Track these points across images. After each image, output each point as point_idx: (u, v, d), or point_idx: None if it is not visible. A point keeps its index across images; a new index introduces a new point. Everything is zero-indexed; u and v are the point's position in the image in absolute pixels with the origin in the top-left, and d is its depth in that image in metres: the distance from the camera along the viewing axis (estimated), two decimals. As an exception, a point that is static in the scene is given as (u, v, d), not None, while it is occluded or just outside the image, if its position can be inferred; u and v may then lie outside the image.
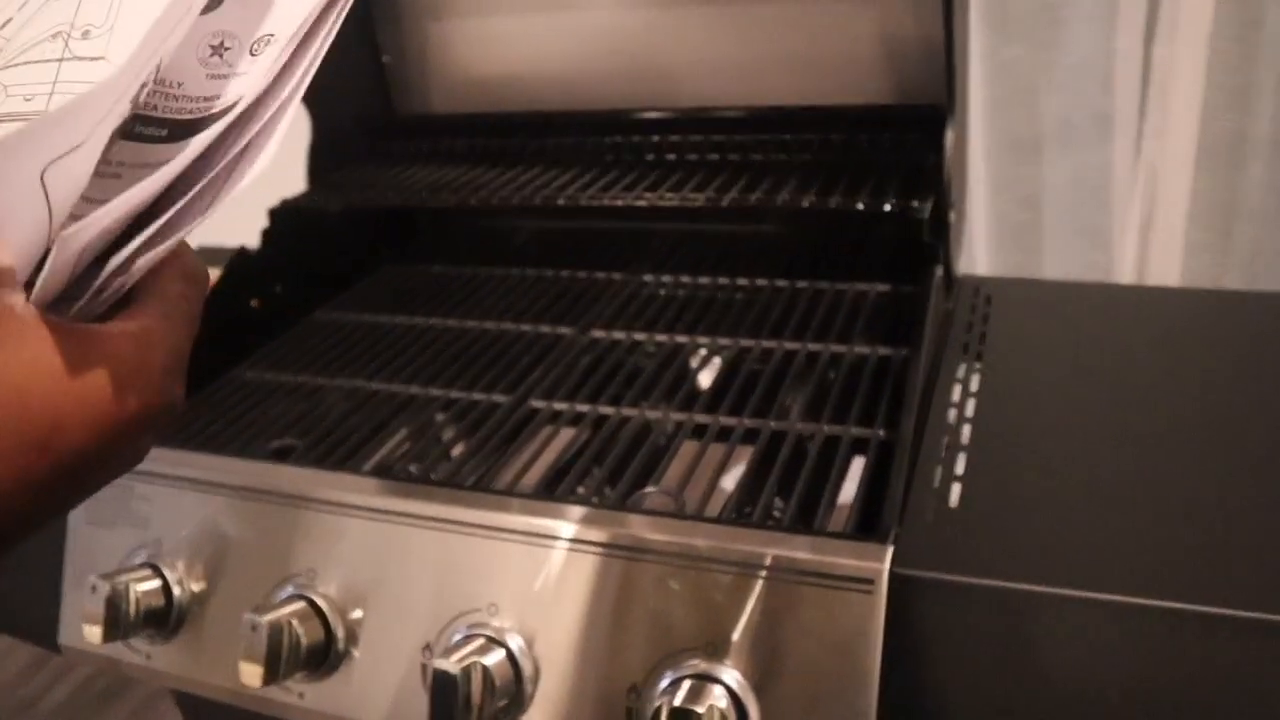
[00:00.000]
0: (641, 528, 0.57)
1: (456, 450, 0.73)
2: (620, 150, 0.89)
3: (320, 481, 0.67)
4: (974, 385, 0.67)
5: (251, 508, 0.69)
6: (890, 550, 0.53)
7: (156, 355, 0.30)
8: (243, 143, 0.29)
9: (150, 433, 0.31)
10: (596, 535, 0.58)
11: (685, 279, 0.90)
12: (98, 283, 0.28)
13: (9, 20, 0.33)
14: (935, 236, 0.69)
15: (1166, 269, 1.57)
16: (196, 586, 0.69)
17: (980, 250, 1.64)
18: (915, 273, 0.75)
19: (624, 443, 0.67)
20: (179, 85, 0.29)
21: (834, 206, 0.69)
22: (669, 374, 0.75)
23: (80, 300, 0.29)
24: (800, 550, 0.53)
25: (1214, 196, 1.53)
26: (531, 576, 0.59)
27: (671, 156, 0.86)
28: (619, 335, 0.81)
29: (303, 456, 0.71)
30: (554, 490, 0.64)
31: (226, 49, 0.30)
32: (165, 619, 0.69)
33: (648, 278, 0.91)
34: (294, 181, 0.95)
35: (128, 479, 0.71)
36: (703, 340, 0.79)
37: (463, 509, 0.61)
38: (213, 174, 0.28)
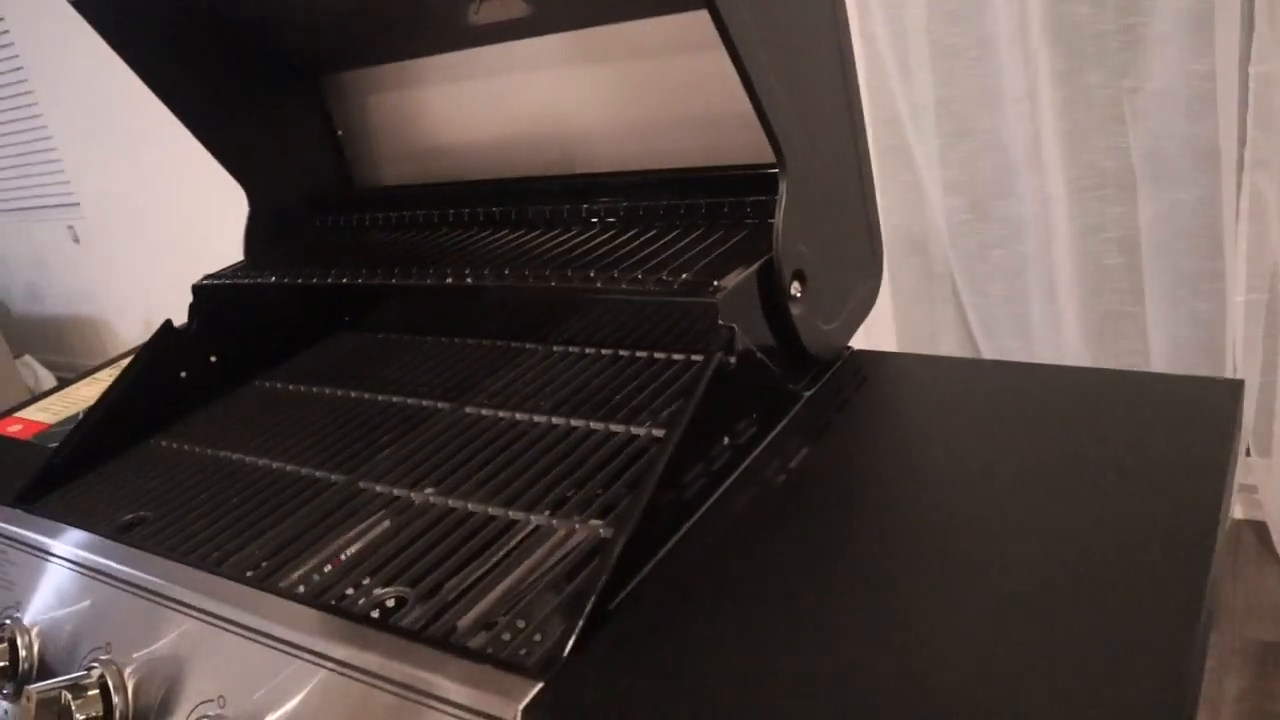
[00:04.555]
0: (307, 626, 0.55)
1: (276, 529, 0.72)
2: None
3: (117, 555, 0.69)
4: (787, 469, 0.60)
5: (87, 582, 0.71)
6: (536, 688, 0.47)
7: None
8: None
9: None
10: (267, 626, 0.56)
11: (589, 350, 0.86)
12: None
13: None
14: (735, 314, 0.62)
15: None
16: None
17: (1068, 297, 1.47)
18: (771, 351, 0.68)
19: (420, 535, 0.64)
20: None
21: (624, 287, 0.64)
22: (504, 454, 0.71)
23: None
24: (438, 674, 0.49)
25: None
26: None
27: (609, 219, 0.83)
28: (502, 414, 0.78)
29: (134, 530, 0.73)
30: (306, 590, 0.62)
31: None
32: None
33: (557, 348, 0.88)
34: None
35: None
36: (540, 418, 0.75)
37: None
38: None
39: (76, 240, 3.50)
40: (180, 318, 0.93)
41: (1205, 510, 0.51)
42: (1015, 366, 0.68)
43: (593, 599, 0.51)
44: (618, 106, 0.84)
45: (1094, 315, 1.48)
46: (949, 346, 1.65)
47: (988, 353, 1.57)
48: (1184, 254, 1.33)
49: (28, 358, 3.39)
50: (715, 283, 0.62)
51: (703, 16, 0.77)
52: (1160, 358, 1.39)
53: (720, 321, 0.61)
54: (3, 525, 0.79)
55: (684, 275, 0.63)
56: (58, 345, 3.92)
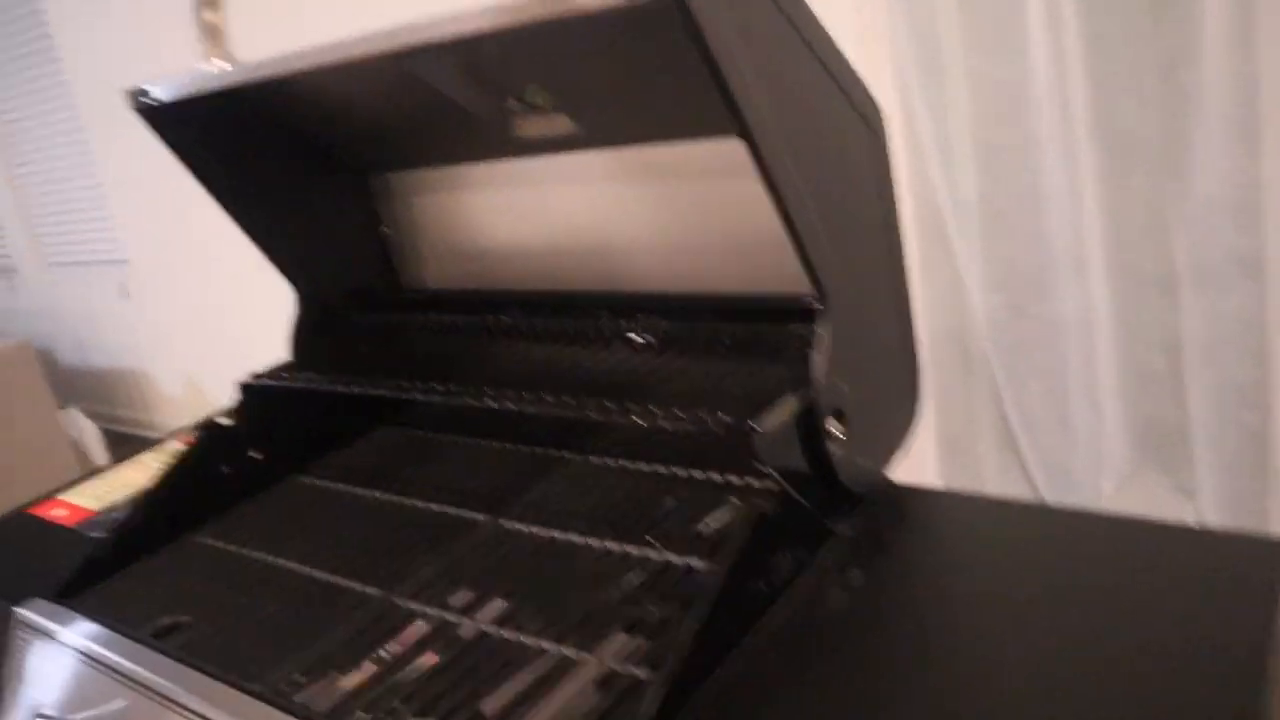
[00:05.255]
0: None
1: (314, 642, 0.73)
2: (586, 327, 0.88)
3: (154, 665, 0.69)
4: (821, 613, 0.59)
5: (122, 689, 0.72)
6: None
7: None
8: None
9: None
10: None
11: (626, 463, 0.86)
12: None
13: None
14: (774, 455, 0.62)
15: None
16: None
17: (1110, 398, 1.46)
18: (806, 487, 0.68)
19: (457, 660, 0.64)
20: None
21: (660, 425, 0.64)
22: (540, 575, 0.72)
23: None
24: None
25: None
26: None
27: (649, 338, 0.84)
28: (538, 530, 0.78)
29: (171, 636, 0.74)
30: (340, 715, 0.62)
31: None
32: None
33: (594, 459, 0.88)
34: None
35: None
36: (577, 537, 0.75)
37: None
38: None
39: (125, 296, 3.58)
40: (218, 378, 0.95)
41: (1247, 681, 0.51)
42: (1054, 512, 0.68)
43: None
44: (659, 225, 0.85)
45: (1137, 418, 1.46)
46: (988, 444, 1.63)
47: (1028, 450, 1.56)
48: (1229, 361, 1.32)
49: (73, 409, 3.45)
50: (754, 425, 0.62)
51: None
52: (1206, 466, 1.37)
53: (758, 465, 0.61)
54: (42, 621, 0.80)
55: (721, 414, 0.64)
56: (102, 396, 3.99)
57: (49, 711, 0.76)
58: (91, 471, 1.14)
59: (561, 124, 0.82)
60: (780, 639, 0.60)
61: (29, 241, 3.99)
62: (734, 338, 0.77)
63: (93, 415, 3.60)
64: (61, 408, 3.34)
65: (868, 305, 0.70)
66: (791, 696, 0.55)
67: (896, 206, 0.74)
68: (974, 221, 1.52)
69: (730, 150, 0.80)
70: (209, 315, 3.19)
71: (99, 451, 3.38)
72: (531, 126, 0.84)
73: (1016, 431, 1.59)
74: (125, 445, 3.57)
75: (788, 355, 0.73)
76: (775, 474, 0.61)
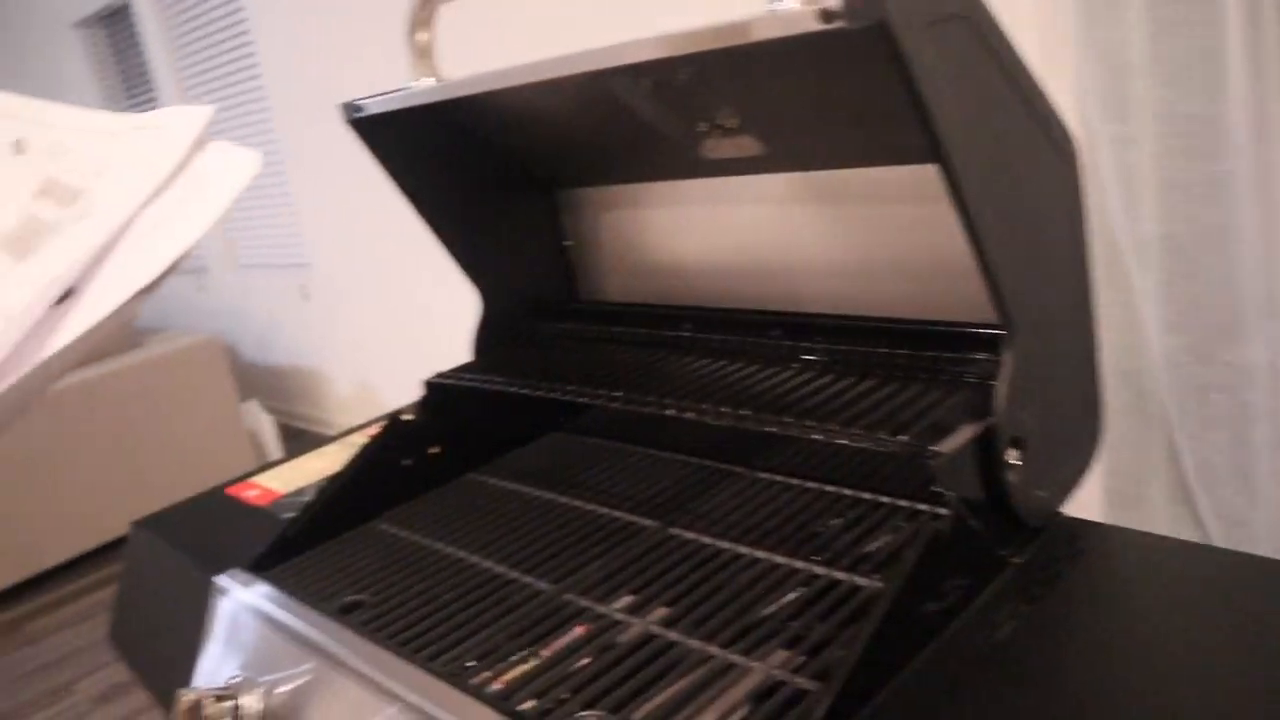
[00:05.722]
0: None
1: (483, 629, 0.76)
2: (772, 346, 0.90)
3: (338, 636, 0.74)
4: (992, 642, 0.59)
5: (308, 657, 0.77)
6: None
7: None
8: None
9: None
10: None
11: (794, 481, 0.87)
12: None
13: None
14: (951, 479, 0.62)
15: None
16: (263, 720, 0.78)
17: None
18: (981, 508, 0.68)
19: (624, 658, 0.67)
20: None
21: (840, 443, 0.65)
22: (708, 583, 0.73)
23: None
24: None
25: None
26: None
27: (825, 360, 0.85)
28: (706, 540, 0.80)
29: (354, 613, 0.79)
30: (511, 700, 0.65)
31: None
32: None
33: (762, 475, 0.90)
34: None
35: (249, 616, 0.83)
36: (744, 549, 0.76)
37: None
38: None
39: (306, 298, 3.79)
40: (390, 381, 1.01)
41: None
42: (1239, 557, 0.65)
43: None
44: (837, 248, 0.86)
45: (1327, 475, 1.38)
46: (1160, 495, 1.57)
47: (1204, 503, 1.49)
48: None
49: (252, 402, 3.67)
50: (933, 448, 0.63)
51: (932, 171, 0.79)
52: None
53: (935, 488, 0.61)
54: (240, 589, 0.87)
55: (901, 436, 0.64)
56: (279, 392, 4.23)
57: (241, 672, 0.83)
58: (281, 459, 1.23)
59: (750, 146, 0.85)
60: (947, 666, 0.60)
61: (222, 244, 4.28)
62: (911, 363, 0.77)
63: (270, 409, 3.82)
64: (242, 400, 3.56)
65: (1052, 336, 0.70)
66: (960, 721, 0.55)
67: (1087, 239, 0.73)
68: (1155, 260, 1.47)
69: (914, 176, 0.80)
70: (384, 321, 3.35)
71: (274, 443, 3.58)
72: (720, 148, 0.86)
73: (1192, 483, 1.52)
74: (298, 439, 3.78)
75: (966, 382, 0.73)
76: (951, 499, 0.61)
